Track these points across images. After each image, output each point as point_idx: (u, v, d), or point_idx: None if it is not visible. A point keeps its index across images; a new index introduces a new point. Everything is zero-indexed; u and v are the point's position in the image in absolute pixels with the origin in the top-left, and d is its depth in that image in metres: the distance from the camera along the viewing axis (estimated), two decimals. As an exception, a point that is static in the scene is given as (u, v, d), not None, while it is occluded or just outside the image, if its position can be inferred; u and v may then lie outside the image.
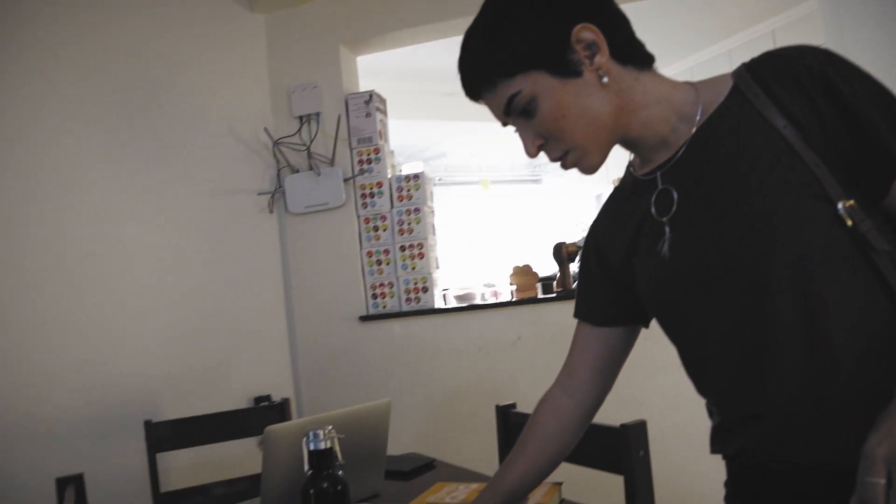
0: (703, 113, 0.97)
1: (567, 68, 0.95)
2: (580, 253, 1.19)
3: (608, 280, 1.13)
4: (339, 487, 1.17)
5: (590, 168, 1.01)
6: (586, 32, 0.94)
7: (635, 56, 0.99)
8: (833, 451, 0.88)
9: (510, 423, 1.77)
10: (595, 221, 1.18)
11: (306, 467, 1.17)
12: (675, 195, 0.99)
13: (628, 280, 1.09)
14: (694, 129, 0.97)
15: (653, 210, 1.02)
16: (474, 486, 1.46)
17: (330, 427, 1.18)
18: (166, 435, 2.17)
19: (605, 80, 0.95)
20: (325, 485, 1.16)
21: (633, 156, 1.09)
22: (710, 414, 1.07)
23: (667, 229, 0.99)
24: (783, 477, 0.94)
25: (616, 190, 1.14)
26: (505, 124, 1.04)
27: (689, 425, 2.40)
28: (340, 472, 1.19)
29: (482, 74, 0.99)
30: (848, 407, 0.86)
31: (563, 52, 0.94)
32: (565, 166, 1.02)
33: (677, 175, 0.99)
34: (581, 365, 1.18)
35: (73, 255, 2.54)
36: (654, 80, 1.00)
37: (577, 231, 3.08)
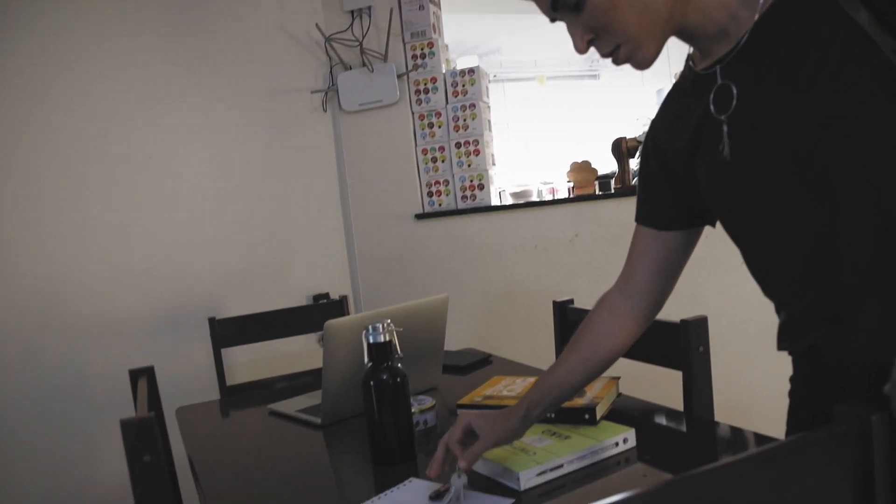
0: None
1: None
2: (640, 154, 1.13)
3: (669, 182, 1.08)
4: (399, 379, 1.18)
5: (643, 62, 0.94)
6: None
7: None
8: None
9: (567, 318, 1.76)
10: (654, 121, 1.12)
11: (366, 360, 1.19)
12: (735, 91, 0.92)
13: (690, 182, 1.03)
14: (756, 17, 0.89)
15: (711, 108, 0.95)
16: (531, 379, 1.47)
17: (388, 320, 1.19)
18: (229, 332, 2.23)
19: None
20: (385, 376, 1.17)
21: (692, 49, 1.02)
22: (778, 311, 1.03)
23: (725, 128, 0.94)
24: (853, 374, 0.92)
25: (675, 86, 1.07)
26: (553, 20, 0.97)
27: (750, 323, 2.36)
28: (399, 365, 1.20)
29: None
30: None
31: None
32: (617, 62, 0.95)
33: (738, 69, 0.92)
34: (640, 269, 1.14)
35: (133, 162, 2.58)
36: None
37: (636, 126, 2.98)
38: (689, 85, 1.02)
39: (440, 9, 3.01)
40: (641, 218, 1.14)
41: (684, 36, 0.97)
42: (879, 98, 0.81)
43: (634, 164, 2.93)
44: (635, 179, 2.92)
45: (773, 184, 0.91)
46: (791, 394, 1.06)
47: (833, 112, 0.83)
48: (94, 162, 2.54)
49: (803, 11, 0.85)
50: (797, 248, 0.91)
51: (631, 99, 6.11)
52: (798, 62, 0.86)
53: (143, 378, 1.56)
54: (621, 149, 2.88)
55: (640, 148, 2.86)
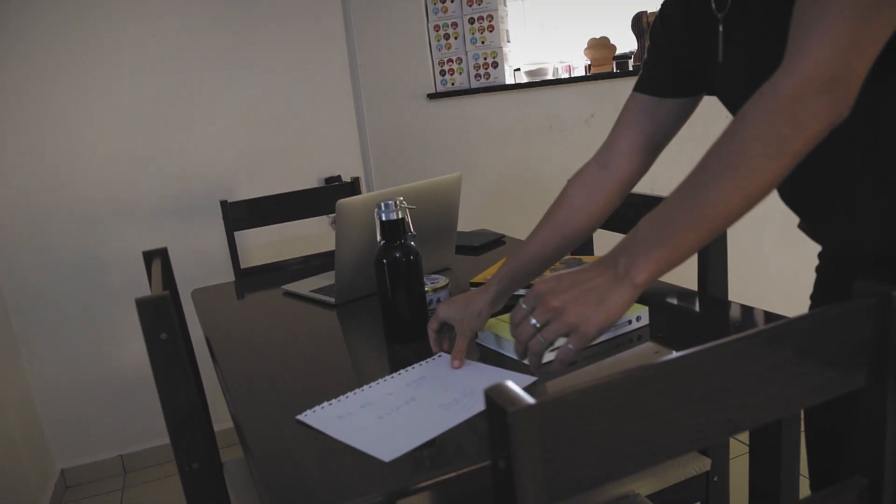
0: None
1: None
2: (651, 24, 1.10)
3: (676, 52, 1.05)
4: (412, 257, 1.17)
5: None
6: None
7: None
8: None
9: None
10: (665, 3, 1.08)
11: (378, 238, 1.18)
12: None
13: (694, 57, 1.01)
14: None
15: (712, 3, 0.91)
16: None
17: (401, 198, 1.17)
18: (242, 214, 2.23)
19: None
20: (398, 254, 1.16)
21: None
22: None
23: (721, 27, 0.90)
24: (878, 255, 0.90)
25: None
26: None
27: (767, 203, 2.33)
28: (412, 243, 1.19)
29: None
30: None
31: None
32: None
33: None
34: (624, 139, 1.13)
35: (144, 47, 2.51)
36: None
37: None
38: None
39: None
40: (641, 85, 1.12)
41: None
42: None
43: (654, 39, 2.82)
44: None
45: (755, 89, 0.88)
46: (818, 269, 1.05)
47: None
48: (106, 47, 2.48)
49: None
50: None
51: (652, -28, 5.85)
52: None
53: (157, 259, 1.56)
54: (642, 24, 2.76)
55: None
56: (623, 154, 1.12)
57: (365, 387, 1.01)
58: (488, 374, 1.03)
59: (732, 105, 0.98)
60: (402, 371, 1.06)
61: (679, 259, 0.79)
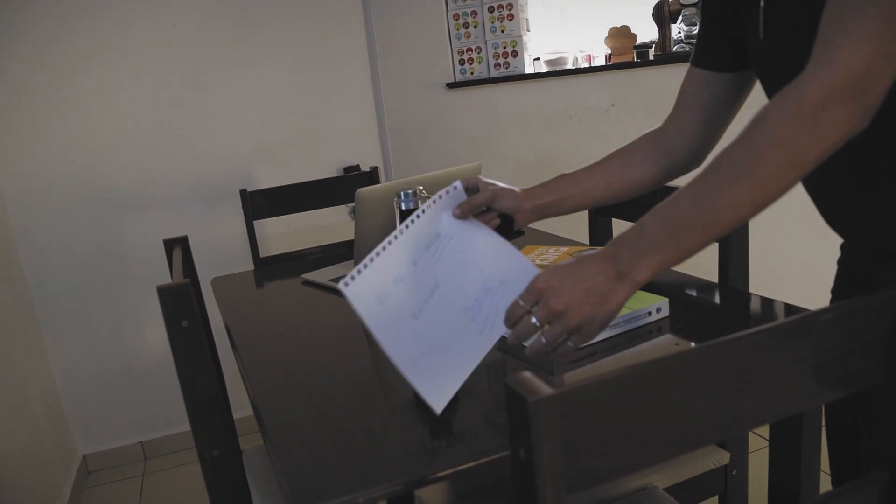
0: None
1: None
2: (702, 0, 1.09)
3: (725, 26, 1.03)
4: (431, 247, 1.17)
5: None
6: None
7: None
8: None
9: (602, 189, 1.73)
10: None
11: (398, 226, 1.18)
12: None
13: (741, 32, 0.99)
14: None
15: None
16: (564, 248, 1.45)
17: (420, 187, 1.17)
18: (261, 204, 2.23)
19: None
20: (417, 245, 1.16)
21: None
22: None
23: (762, 3, 0.88)
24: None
25: None
26: None
27: (791, 196, 2.30)
28: (431, 233, 1.18)
29: None
30: None
31: None
32: None
33: None
34: (685, 113, 1.11)
35: (160, 29, 2.52)
36: None
37: (680, -11, 2.82)
38: None
39: None
40: (696, 59, 1.10)
41: None
42: None
43: (676, 29, 2.79)
44: (676, 46, 2.79)
45: (790, 71, 0.87)
46: (840, 262, 1.04)
47: None
48: (129, 36, 2.49)
49: None
50: None
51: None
52: None
53: (178, 248, 1.58)
54: (663, 13, 2.73)
55: (684, 6, 2.71)
56: (687, 130, 1.11)
57: (391, 242, 0.98)
58: (501, 254, 1.01)
59: (767, 84, 0.96)
60: (414, 218, 1.01)
61: (680, 260, 0.79)
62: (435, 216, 1.02)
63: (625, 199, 1.14)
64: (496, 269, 0.99)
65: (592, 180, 1.12)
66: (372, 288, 0.93)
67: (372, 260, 0.94)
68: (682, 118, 1.12)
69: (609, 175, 1.13)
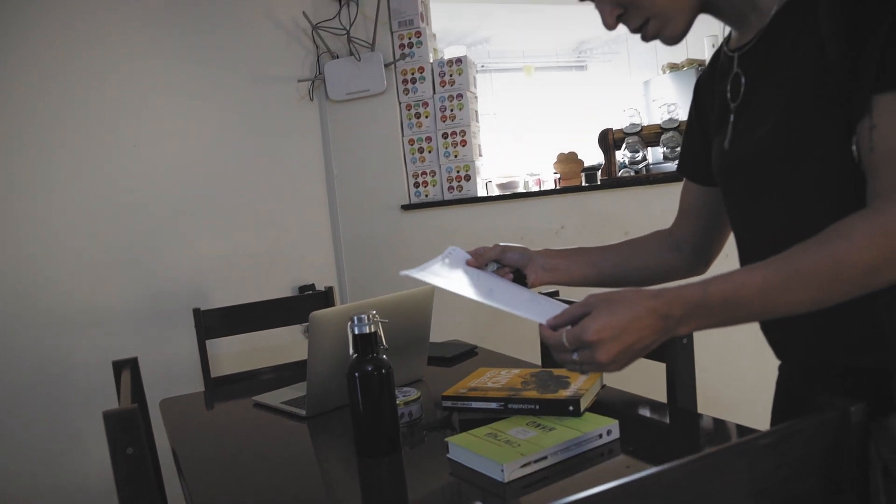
0: None
1: None
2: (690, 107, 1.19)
3: (705, 140, 1.11)
4: (384, 370, 1.18)
5: (672, 38, 0.96)
6: None
7: None
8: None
9: (553, 310, 1.76)
10: (699, 79, 1.15)
11: (351, 351, 1.19)
12: (744, 82, 0.94)
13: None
14: (774, 11, 0.90)
15: (728, 94, 0.97)
16: (516, 371, 1.47)
17: (374, 312, 1.18)
18: (214, 322, 2.22)
19: None
20: (370, 368, 1.17)
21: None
22: None
23: (731, 117, 0.96)
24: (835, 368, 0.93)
25: (716, 53, 1.10)
26: None
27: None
28: (384, 357, 1.20)
29: None
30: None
31: None
32: (646, 38, 0.97)
33: (751, 60, 0.94)
34: (684, 221, 1.21)
35: (121, 148, 2.56)
36: None
37: (623, 117, 2.98)
38: (722, 60, 1.04)
39: (428, -2, 3.00)
40: (681, 169, 1.19)
41: (713, 13, 0.98)
42: (825, 125, 0.83)
43: (621, 155, 2.94)
44: (621, 171, 2.93)
45: (748, 182, 0.94)
46: (778, 382, 1.07)
47: (786, 132, 0.86)
48: (78, 151, 2.52)
49: (800, 22, 0.86)
50: (758, 251, 0.94)
51: (618, 90, 6.12)
52: (782, 74, 0.87)
53: (127, 369, 1.55)
54: (608, 140, 2.88)
55: (627, 135, 2.86)
56: (687, 235, 1.20)
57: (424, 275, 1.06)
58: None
59: (729, 198, 1.03)
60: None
61: (721, 327, 0.83)
62: (450, 267, 1.09)
63: (629, 284, 1.19)
64: (533, 295, 1.04)
65: (604, 257, 1.20)
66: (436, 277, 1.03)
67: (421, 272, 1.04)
68: (683, 222, 1.20)
69: (618, 257, 1.20)
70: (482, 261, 1.15)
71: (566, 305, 0.90)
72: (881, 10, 0.76)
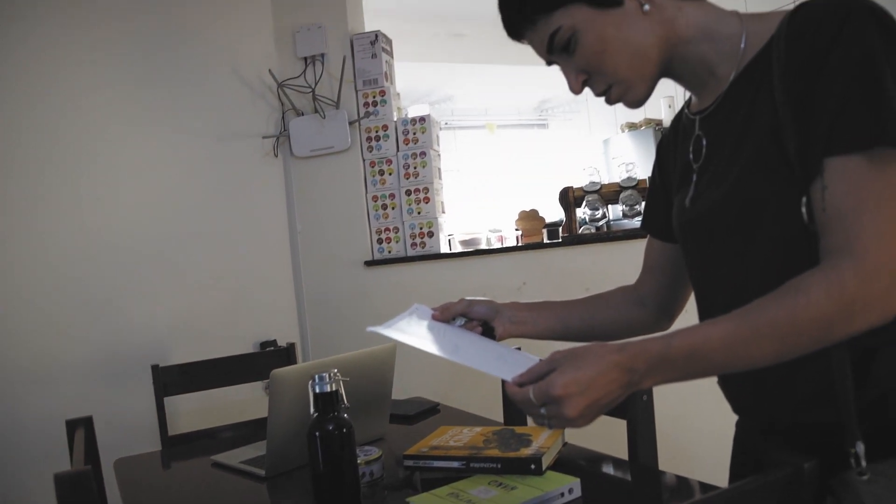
0: (746, 52, 0.93)
1: None
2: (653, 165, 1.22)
3: (668, 197, 1.14)
4: (345, 430, 1.17)
5: (635, 102, 1.00)
6: None
7: None
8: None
9: (515, 367, 1.77)
10: (662, 138, 1.19)
11: (312, 410, 1.18)
12: (705, 144, 0.98)
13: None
14: (732, 77, 0.94)
15: (690, 154, 1.01)
16: (478, 429, 1.47)
17: (335, 370, 1.18)
18: (173, 379, 2.19)
19: (647, 7, 0.93)
20: (331, 427, 1.16)
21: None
22: None
23: (694, 177, 1.00)
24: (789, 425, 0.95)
25: (679, 115, 1.13)
26: (549, 63, 1.03)
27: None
28: (346, 415, 1.19)
29: (522, 13, 0.97)
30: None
31: None
32: (610, 101, 1.01)
33: (712, 124, 0.98)
34: (647, 276, 1.23)
35: (81, 201, 2.54)
36: (698, 9, 0.97)
37: (583, 176, 3.05)
38: (684, 122, 1.07)
39: (393, 57, 3.06)
40: (645, 226, 1.22)
41: (673, 78, 1.02)
42: (776, 188, 0.86)
43: (581, 213, 2.99)
44: (582, 228, 2.97)
45: (706, 238, 0.97)
46: (735, 438, 1.09)
47: (741, 196, 0.90)
48: (38, 202, 2.49)
49: (755, 89, 0.90)
50: (718, 306, 0.97)
51: (578, 148, 6.25)
52: (739, 138, 0.91)
53: (81, 428, 1.52)
54: (569, 198, 2.93)
55: (587, 193, 2.92)
56: (651, 290, 1.22)
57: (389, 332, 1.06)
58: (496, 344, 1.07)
59: (689, 255, 1.06)
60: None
61: (684, 380, 0.84)
62: (416, 322, 1.09)
63: (595, 338, 1.19)
64: (501, 349, 1.04)
65: (570, 311, 1.21)
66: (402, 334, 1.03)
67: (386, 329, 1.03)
68: (647, 278, 1.23)
69: (585, 311, 1.22)
70: (448, 315, 1.16)
71: (535, 358, 0.91)
72: (831, 78, 0.80)
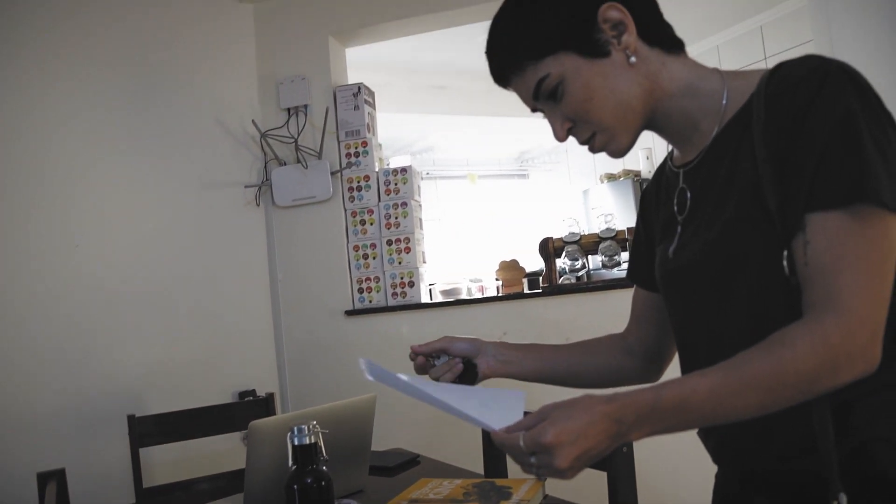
0: (728, 108, 0.96)
1: (594, 48, 0.95)
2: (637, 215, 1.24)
3: (652, 247, 1.15)
4: (323, 483, 1.16)
5: (618, 151, 1.01)
6: (613, 11, 0.94)
7: (663, 39, 0.99)
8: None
9: (495, 418, 1.76)
10: (646, 189, 1.20)
11: (290, 462, 1.17)
12: (689, 196, 1.00)
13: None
14: (715, 132, 0.97)
15: (675, 206, 1.03)
16: (458, 481, 1.46)
17: (314, 422, 1.18)
18: (149, 429, 2.16)
19: (633, 59, 0.95)
20: (309, 480, 1.15)
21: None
22: None
23: (679, 229, 1.01)
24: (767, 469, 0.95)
25: (662, 166, 1.15)
26: (534, 109, 1.04)
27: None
28: (324, 468, 1.18)
29: (510, 59, 0.99)
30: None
31: (590, 32, 0.95)
32: (593, 149, 1.02)
33: (696, 177, 1.00)
34: (634, 325, 1.23)
35: (58, 248, 2.52)
36: (682, 66, 0.99)
37: (563, 226, 3.08)
38: (668, 175, 1.09)
39: (375, 109, 3.10)
40: (631, 276, 1.23)
41: (656, 130, 1.04)
42: (758, 244, 0.89)
43: (561, 263, 3.01)
44: (562, 278, 2.99)
45: (688, 289, 0.98)
46: (715, 490, 1.09)
47: (724, 251, 0.92)
48: (14, 246, 2.47)
49: (736, 146, 0.93)
50: (699, 356, 0.98)
51: (558, 198, 6.33)
52: (723, 194, 0.94)
53: (53, 481, 1.49)
54: (548, 248, 2.96)
55: (567, 244, 2.94)
56: (638, 338, 1.22)
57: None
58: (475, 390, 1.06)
59: (671, 305, 1.07)
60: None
61: (674, 432, 0.84)
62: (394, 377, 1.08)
63: (581, 385, 1.20)
64: (483, 395, 1.03)
65: (557, 355, 1.21)
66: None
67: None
68: (634, 327, 1.23)
69: (571, 356, 1.21)
70: (428, 350, 1.16)
71: (520, 393, 0.92)
72: (811, 136, 0.83)
